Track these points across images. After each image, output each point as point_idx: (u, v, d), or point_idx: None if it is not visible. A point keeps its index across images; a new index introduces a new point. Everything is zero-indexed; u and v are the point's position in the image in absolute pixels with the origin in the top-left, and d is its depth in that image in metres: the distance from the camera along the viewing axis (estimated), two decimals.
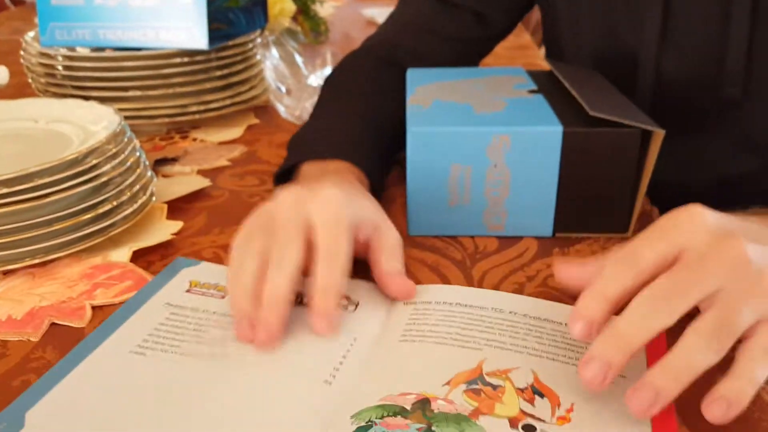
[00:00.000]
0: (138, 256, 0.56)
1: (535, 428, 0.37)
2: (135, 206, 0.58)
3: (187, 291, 0.50)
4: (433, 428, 0.37)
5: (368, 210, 0.50)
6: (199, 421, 0.38)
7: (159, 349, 0.44)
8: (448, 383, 0.40)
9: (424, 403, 0.39)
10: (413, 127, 0.55)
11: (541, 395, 0.39)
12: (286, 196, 0.48)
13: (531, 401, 0.39)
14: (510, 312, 0.46)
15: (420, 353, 0.43)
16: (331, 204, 0.46)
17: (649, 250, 0.39)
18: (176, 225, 0.61)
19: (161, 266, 0.55)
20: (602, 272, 0.40)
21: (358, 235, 0.49)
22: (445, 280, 0.52)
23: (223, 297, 0.49)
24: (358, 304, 0.48)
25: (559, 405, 0.39)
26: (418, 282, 0.52)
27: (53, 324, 0.48)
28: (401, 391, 0.40)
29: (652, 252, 0.39)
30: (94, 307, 0.50)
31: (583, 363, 0.38)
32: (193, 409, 0.39)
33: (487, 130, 0.54)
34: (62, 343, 0.46)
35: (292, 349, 0.44)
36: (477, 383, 0.40)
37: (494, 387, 0.40)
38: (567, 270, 0.44)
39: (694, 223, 0.39)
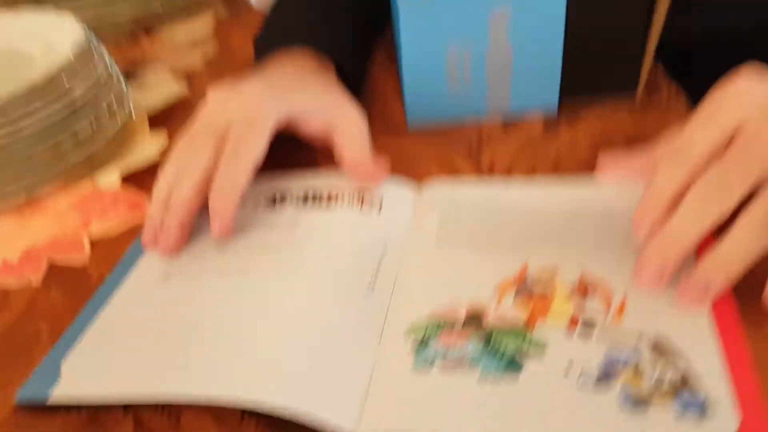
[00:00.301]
0: (129, 180, 0.53)
1: (592, 329, 0.36)
2: (116, 126, 0.55)
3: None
4: (491, 342, 0.36)
5: (313, 100, 0.49)
6: (241, 336, 0.37)
7: (185, 274, 0.42)
8: (495, 292, 0.39)
9: (476, 316, 0.37)
10: (405, 7, 0.51)
11: (593, 292, 0.38)
12: (211, 101, 0.47)
13: (583, 300, 0.37)
14: (542, 206, 0.44)
15: (459, 261, 0.41)
16: (249, 103, 0.46)
17: (700, 140, 0.37)
18: (161, 138, 0.57)
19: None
20: (656, 172, 0.38)
21: (308, 128, 0.48)
22: (454, 171, 0.50)
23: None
24: (381, 204, 0.46)
25: (612, 299, 0.37)
26: (428, 176, 0.49)
27: (53, 263, 0.46)
28: (450, 303, 0.38)
29: (704, 141, 0.37)
30: (92, 242, 0.47)
31: (638, 267, 0.37)
32: (232, 325, 0.37)
33: (485, 4, 0.50)
34: (67, 284, 0.44)
35: (323, 255, 0.42)
36: (525, 289, 0.39)
37: (543, 290, 0.38)
38: (613, 166, 0.43)
39: (744, 96, 0.37)
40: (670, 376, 0.33)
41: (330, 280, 0.40)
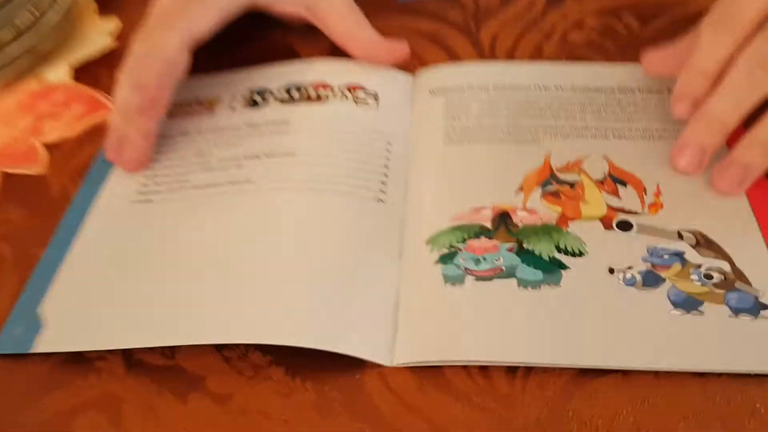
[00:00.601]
0: (81, 74, 0.47)
1: (630, 224, 0.33)
2: (59, 10, 0.47)
3: (169, 116, 0.41)
4: (525, 246, 0.32)
5: None
6: (243, 266, 0.32)
7: (165, 190, 0.37)
8: (520, 189, 0.35)
9: (504, 218, 0.33)
10: None
11: (623, 183, 0.35)
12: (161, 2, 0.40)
13: (615, 193, 0.34)
14: (555, 87, 0.40)
15: (475, 156, 0.37)
16: None
17: (749, 7, 0.32)
18: (111, 23, 0.50)
19: (111, 80, 0.46)
20: (699, 40, 0.34)
21: (281, 10, 0.42)
22: (451, 52, 0.45)
23: (212, 110, 0.41)
24: (377, 95, 0.41)
25: (645, 190, 0.34)
26: (421, 59, 0.44)
27: (6, 175, 0.40)
28: (473, 206, 0.34)
29: (753, 8, 0.32)
30: (48, 146, 0.42)
31: (676, 150, 0.34)
32: (230, 253, 0.33)
33: None
34: (25, 198, 0.39)
35: (321, 159, 0.37)
36: (551, 183, 0.35)
37: (571, 185, 0.35)
38: (658, 59, 0.39)
39: None
40: (717, 273, 0.31)
41: (334, 188, 0.35)
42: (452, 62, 0.43)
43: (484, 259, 0.32)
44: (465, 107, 0.40)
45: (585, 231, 0.33)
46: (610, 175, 0.35)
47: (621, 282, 0.31)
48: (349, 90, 0.41)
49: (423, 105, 0.40)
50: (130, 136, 0.37)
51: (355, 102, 0.40)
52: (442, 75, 0.42)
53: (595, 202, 0.34)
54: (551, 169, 0.36)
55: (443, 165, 0.37)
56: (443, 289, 0.31)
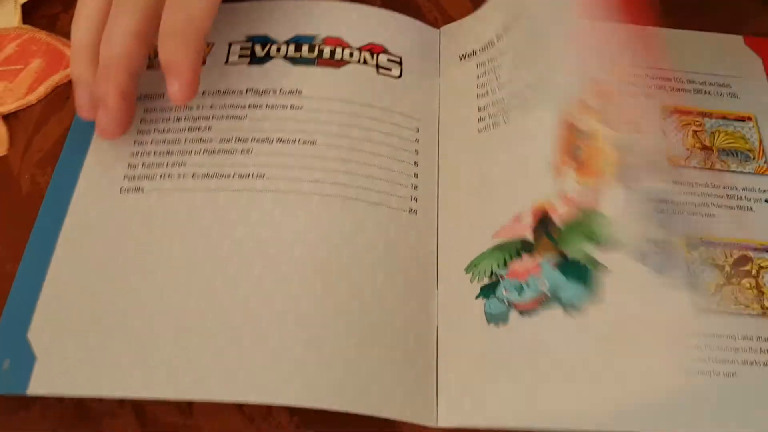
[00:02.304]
0: (31, 13, 0.39)
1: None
2: None
3: (149, 66, 0.33)
4: (568, 257, 0.28)
5: None
6: (261, 294, 0.28)
7: (158, 175, 0.31)
8: (557, 171, 0.30)
9: (545, 224, 0.29)
10: None
11: None
12: None
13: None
14: None
15: (509, 139, 0.32)
16: None
17: None
18: None
19: (70, 19, 0.38)
20: None
21: None
22: None
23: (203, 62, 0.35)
24: (401, 60, 0.35)
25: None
26: (439, 5, 0.38)
27: None
28: (514, 213, 0.30)
29: None
30: (4, 118, 0.35)
31: None
32: (242, 277, 0.28)
33: None
34: None
35: (345, 155, 0.31)
36: (575, 149, 0.30)
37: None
38: None
39: None
40: None
41: (364, 197, 0.31)
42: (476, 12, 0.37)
43: (528, 285, 0.29)
44: (495, 70, 0.34)
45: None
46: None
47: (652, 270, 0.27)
48: (370, 53, 0.35)
49: (452, 75, 0.35)
50: (107, 97, 0.30)
51: (377, 70, 0.34)
52: (471, 32, 0.36)
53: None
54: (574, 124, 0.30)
55: (477, 160, 0.32)
56: (486, 332, 0.28)
